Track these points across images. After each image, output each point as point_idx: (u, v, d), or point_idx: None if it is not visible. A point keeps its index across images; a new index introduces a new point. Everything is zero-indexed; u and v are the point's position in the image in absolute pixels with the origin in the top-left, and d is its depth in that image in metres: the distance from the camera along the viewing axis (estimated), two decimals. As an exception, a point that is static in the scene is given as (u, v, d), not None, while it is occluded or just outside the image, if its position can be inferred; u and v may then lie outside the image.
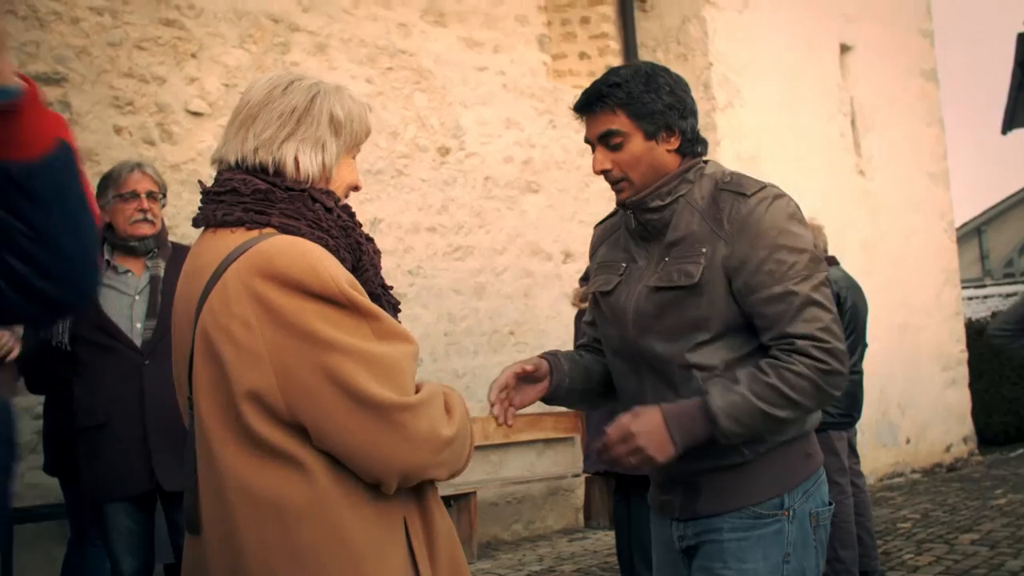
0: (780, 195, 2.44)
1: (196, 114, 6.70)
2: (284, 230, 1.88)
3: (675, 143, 2.51)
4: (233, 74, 6.89)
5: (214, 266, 1.86)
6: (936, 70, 12.76)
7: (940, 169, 12.60)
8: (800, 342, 2.35)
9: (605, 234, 2.76)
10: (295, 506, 1.78)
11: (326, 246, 1.88)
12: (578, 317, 6.32)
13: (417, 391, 1.85)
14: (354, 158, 2.06)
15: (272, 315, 1.77)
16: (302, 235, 1.87)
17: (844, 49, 11.29)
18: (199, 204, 2.00)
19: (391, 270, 7.24)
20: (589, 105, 2.52)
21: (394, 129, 7.90)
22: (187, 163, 6.59)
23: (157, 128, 6.51)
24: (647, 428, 2.34)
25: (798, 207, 2.48)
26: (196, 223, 1.99)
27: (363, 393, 1.76)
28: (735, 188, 2.45)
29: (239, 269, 1.82)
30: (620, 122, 2.48)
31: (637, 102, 2.46)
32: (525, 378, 2.55)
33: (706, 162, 2.58)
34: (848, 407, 5.78)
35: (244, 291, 1.79)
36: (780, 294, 2.36)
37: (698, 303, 2.42)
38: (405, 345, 1.86)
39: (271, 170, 1.94)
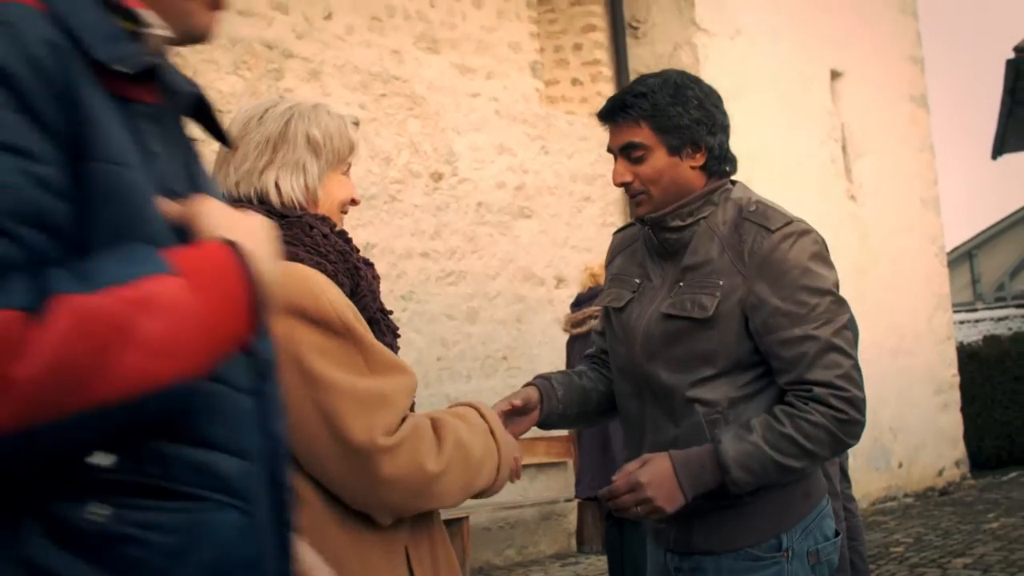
0: (806, 231, 2.35)
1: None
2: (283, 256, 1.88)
3: (700, 160, 2.39)
4: (227, 100, 6.91)
5: (213, 292, 1.86)
6: (926, 96, 12.84)
7: (931, 194, 12.65)
8: (818, 389, 2.25)
9: (623, 244, 2.64)
10: None
11: (324, 271, 1.88)
12: (570, 343, 6.33)
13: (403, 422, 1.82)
14: (345, 173, 2.03)
15: None
16: (301, 260, 1.87)
17: (835, 75, 11.35)
18: (197, 232, 2.00)
19: (384, 295, 7.23)
20: (612, 114, 2.41)
21: (387, 155, 7.92)
22: (181, 188, 6.61)
23: (151, 154, 6.53)
24: (656, 478, 2.25)
25: (825, 245, 2.38)
26: (193, 250, 1.99)
27: (344, 433, 1.75)
28: (759, 220, 2.34)
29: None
30: (643, 135, 2.36)
31: (662, 115, 2.34)
32: (513, 412, 2.44)
33: (733, 183, 2.47)
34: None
35: (242, 316, 1.80)
36: (799, 337, 2.26)
37: (708, 336, 2.32)
38: (399, 377, 1.84)
39: (255, 201, 1.92)
